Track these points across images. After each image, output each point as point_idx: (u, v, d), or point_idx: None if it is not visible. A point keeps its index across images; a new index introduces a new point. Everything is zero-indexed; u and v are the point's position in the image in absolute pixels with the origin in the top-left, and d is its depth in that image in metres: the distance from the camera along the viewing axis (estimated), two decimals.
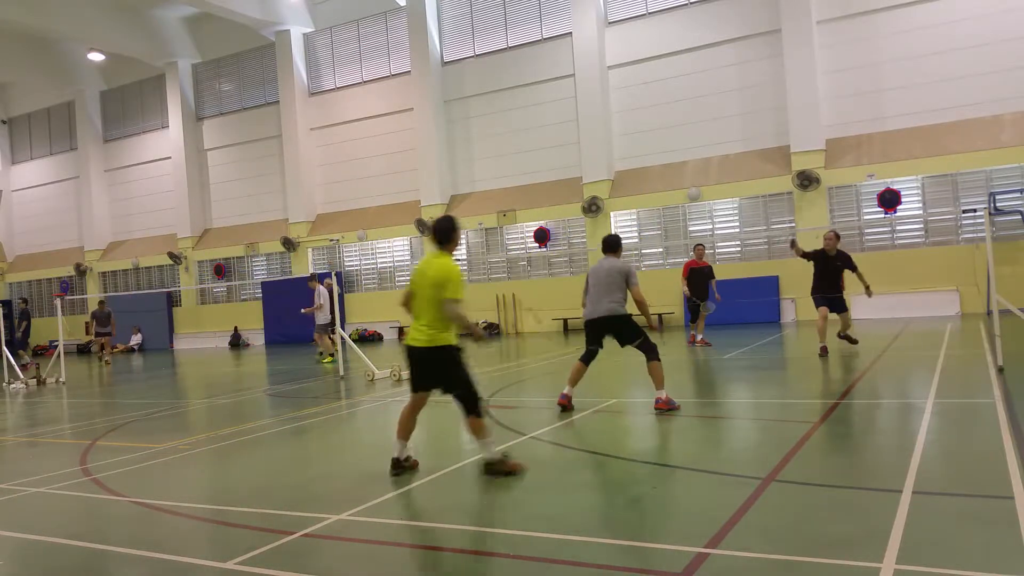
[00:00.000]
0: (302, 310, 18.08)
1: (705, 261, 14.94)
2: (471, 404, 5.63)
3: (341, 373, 13.80)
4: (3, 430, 10.39)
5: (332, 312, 16.29)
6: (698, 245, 15.10)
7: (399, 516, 4.84)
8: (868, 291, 12.13)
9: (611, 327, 7.98)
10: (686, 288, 14.70)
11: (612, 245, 8.22)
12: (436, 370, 5.69)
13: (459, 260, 25.10)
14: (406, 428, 5.91)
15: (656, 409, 7.73)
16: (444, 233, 5.82)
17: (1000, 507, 4.20)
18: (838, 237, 12.30)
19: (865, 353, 11.61)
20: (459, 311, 5.53)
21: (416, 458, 6.10)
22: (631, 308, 7.95)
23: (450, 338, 5.65)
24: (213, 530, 4.91)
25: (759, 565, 3.65)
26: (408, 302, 5.91)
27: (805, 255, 12.33)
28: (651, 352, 7.78)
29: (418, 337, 5.67)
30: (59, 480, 6.57)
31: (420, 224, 25.27)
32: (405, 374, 12.64)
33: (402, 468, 5.88)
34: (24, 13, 25.18)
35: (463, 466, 6.18)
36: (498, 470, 5.55)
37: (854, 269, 12.06)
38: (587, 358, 8.24)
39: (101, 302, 22.97)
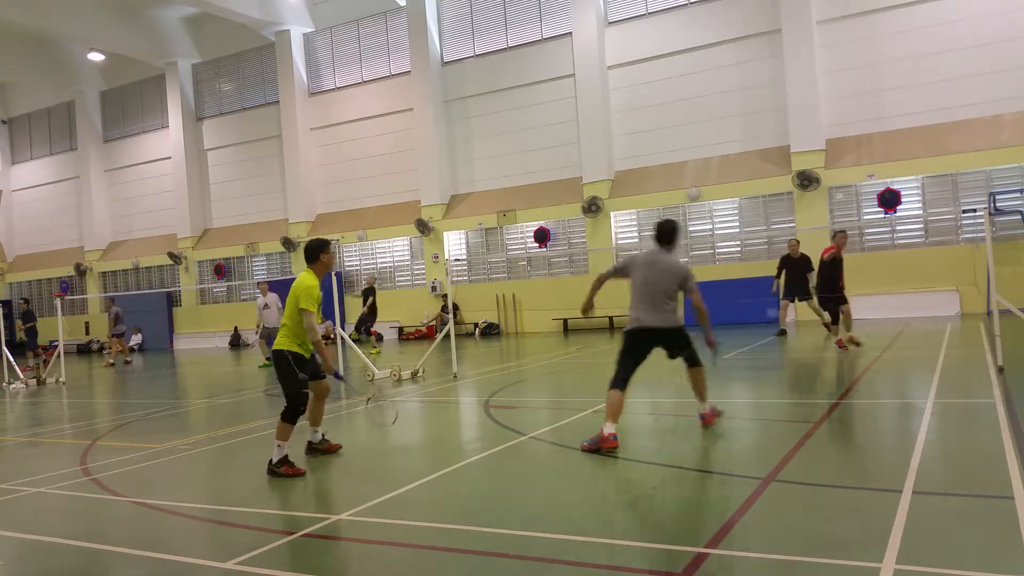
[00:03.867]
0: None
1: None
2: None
3: (341, 373, 13.78)
4: (3, 430, 10.39)
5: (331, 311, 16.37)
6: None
7: (399, 516, 4.84)
8: (813, 292, 13.83)
9: (673, 338, 6.66)
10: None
11: (671, 235, 6.75)
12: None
13: (458, 260, 25.14)
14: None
15: (704, 425, 6.93)
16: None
17: (1000, 507, 4.20)
18: (799, 243, 14.78)
19: (865, 353, 11.61)
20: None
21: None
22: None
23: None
24: (213, 530, 4.91)
25: (759, 565, 3.65)
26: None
27: (778, 272, 14.81)
28: (696, 359, 6.91)
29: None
30: (59, 480, 6.57)
31: (420, 224, 25.28)
32: (405, 374, 12.68)
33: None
34: (24, 13, 25.19)
35: (463, 466, 6.18)
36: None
37: (811, 270, 14.03)
38: (625, 381, 6.49)
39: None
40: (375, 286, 20.44)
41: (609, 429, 6.18)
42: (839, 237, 12.82)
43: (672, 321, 6.58)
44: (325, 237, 6.92)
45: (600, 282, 6.92)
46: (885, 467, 5.32)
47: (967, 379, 8.94)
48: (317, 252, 6.67)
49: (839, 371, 10.55)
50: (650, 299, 6.53)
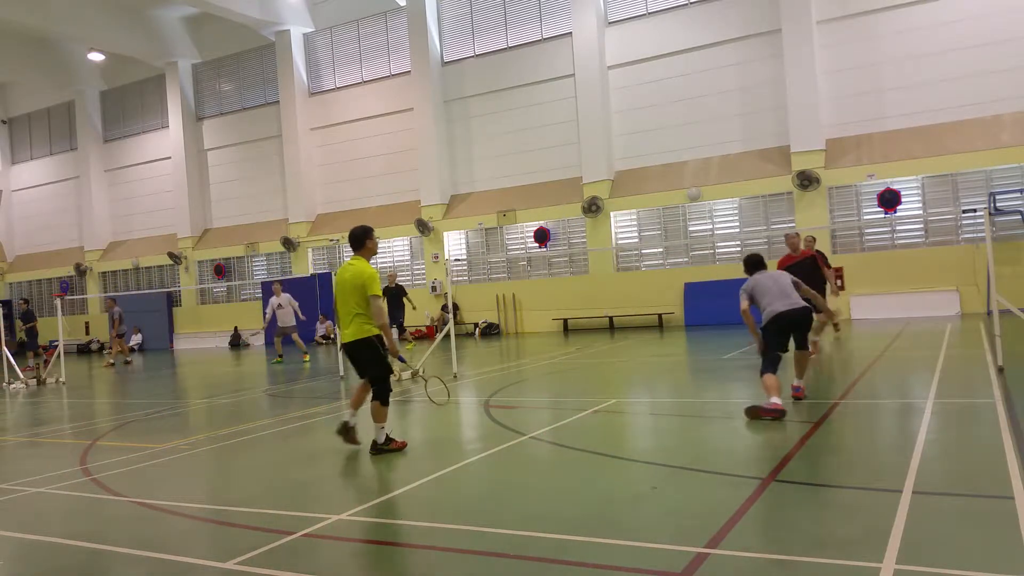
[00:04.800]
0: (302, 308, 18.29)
1: (810, 250, 12.25)
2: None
3: (342, 373, 13.80)
4: (3, 430, 10.39)
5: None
6: (808, 236, 12.72)
7: (399, 516, 4.84)
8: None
9: (805, 320, 7.88)
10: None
11: (762, 260, 8.39)
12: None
13: (458, 260, 25.13)
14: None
15: (794, 398, 8.00)
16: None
17: (1000, 507, 4.20)
18: (815, 240, 13.77)
19: (865, 353, 11.61)
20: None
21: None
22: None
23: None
24: (213, 530, 4.91)
25: (759, 565, 3.65)
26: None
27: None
28: (807, 343, 8.30)
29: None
30: (59, 480, 6.57)
31: (420, 224, 25.28)
32: (405, 374, 12.68)
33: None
34: (24, 13, 25.19)
35: (463, 466, 6.18)
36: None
37: (828, 267, 14.52)
38: (775, 364, 7.56)
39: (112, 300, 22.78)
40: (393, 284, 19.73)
41: (774, 400, 7.05)
42: (808, 240, 12.37)
43: (802, 303, 7.76)
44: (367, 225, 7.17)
45: (749, 313, 7.95)
46: (885, 467, 5.32)
47: (967, 379, 8.94)
48: (363, 238, 6.87)
49: (839, 371, 10.55)
50: (783, 293, 7.78)
